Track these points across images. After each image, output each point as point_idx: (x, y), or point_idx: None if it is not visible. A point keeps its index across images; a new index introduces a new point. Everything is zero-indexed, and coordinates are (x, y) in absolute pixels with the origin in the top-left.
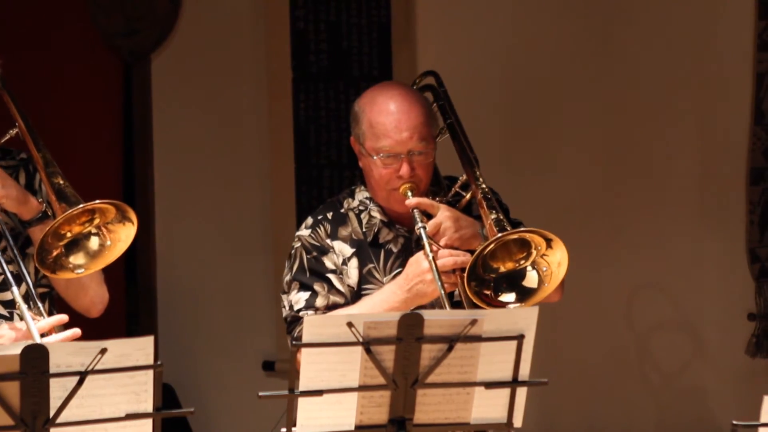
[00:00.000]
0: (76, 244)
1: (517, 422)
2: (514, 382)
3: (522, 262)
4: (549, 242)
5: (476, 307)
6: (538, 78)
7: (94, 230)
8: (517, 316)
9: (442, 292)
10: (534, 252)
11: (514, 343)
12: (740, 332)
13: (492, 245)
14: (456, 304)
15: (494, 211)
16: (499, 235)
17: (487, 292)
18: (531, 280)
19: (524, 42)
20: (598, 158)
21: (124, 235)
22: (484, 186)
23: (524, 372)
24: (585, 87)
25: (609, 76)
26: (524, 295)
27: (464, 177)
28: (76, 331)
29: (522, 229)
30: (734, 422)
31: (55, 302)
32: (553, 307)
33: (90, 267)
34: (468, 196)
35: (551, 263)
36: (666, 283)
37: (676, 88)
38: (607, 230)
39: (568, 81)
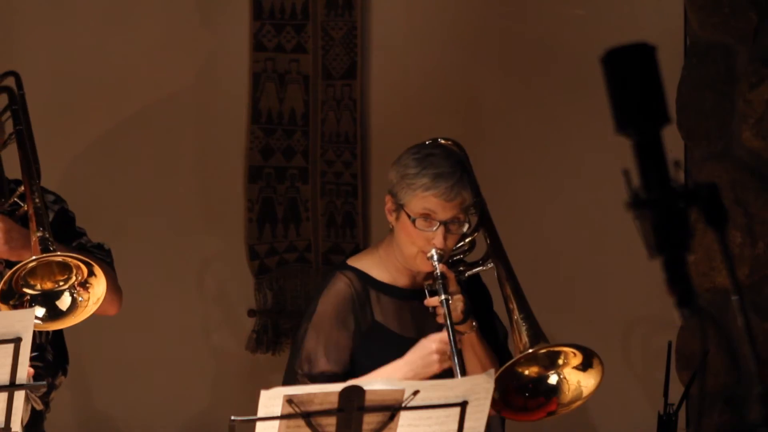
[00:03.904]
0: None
1: (16, 426)
2: (12, 386)
3: (61, 284)
4: (91, 269)
5: None
6: None
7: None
8: (13, 319)
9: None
10: (74, 277)
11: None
12: (241, 328)
13: (33, 263)
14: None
15: (42, 229)
16: (41, 256)
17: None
18: (64, 302)
19: None
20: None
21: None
22: (38, 201)
23: (22, 375)
24: None
25: None
26: (56, 316)
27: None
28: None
29: (66, 254)
30: (232, 418)
31: None
32: None
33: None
34: (24, 207)
35: (91, 294)
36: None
37: (173, 89)
38: (112, 229)
39: None
